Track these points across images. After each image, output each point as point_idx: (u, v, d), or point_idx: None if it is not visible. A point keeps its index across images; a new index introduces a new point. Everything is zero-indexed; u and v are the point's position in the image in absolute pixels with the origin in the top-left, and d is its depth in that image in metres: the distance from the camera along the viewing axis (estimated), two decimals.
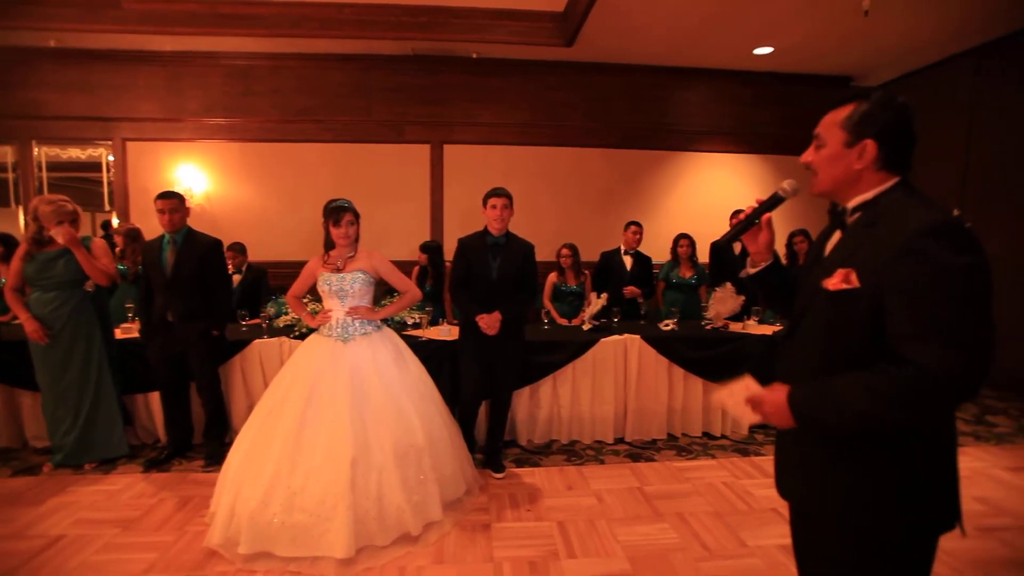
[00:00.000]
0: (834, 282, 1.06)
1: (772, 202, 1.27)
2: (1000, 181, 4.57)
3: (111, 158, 5.32)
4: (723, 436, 3.48)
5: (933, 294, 0.91)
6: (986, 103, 4.68)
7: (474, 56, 5.14)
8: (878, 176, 1.08)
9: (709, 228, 4.79)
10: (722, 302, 3.62)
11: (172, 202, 2.97)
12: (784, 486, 1.26)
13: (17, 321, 3.64)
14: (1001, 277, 4.12)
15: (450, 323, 3.58)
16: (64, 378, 2.92)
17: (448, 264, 4.28)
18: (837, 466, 1.07)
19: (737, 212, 4.30)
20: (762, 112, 5.61)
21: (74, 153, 5.39)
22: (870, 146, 1.05)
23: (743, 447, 3.34)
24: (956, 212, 1.01)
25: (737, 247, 4.33)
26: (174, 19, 4.55)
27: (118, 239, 3.97)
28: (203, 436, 3.19)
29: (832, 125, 1.11)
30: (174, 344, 3.00)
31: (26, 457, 3.17)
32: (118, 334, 3.29)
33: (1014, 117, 4.43)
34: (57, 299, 2.90)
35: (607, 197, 5.55)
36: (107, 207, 5.46)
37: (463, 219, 5.32)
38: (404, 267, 3.12)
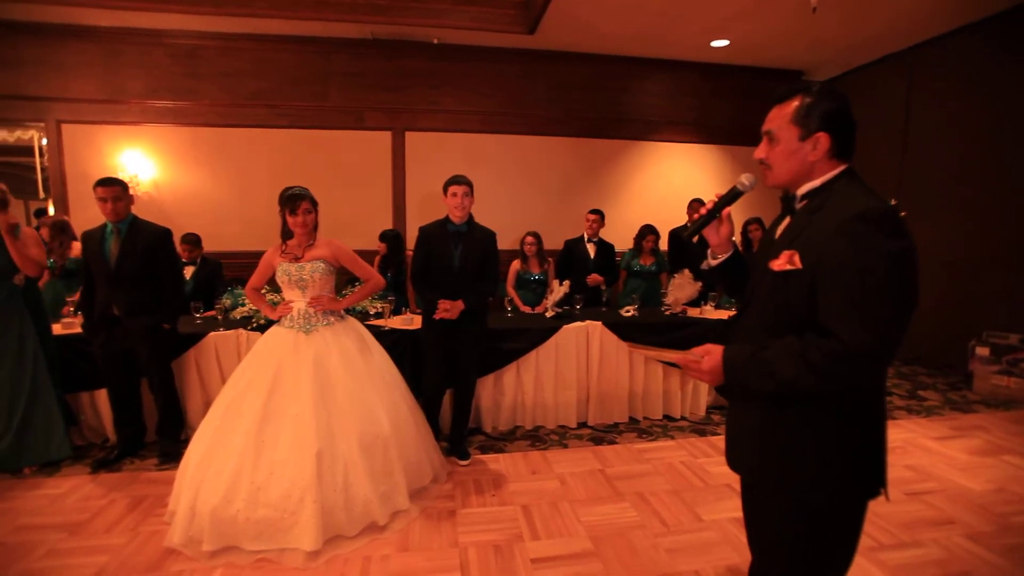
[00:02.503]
0: (779, 263, 1.12)
1: (731, 196, 1.33)
2: (934, 174, 4.88)
3: (44, 141, 4.96)
4: (682, 417, 3.61)
5: (858, 275, 0.98)
6: (922, 99, 4.98)
7: (435, 42, 5.05)
8: (828, 164, 1.14)
9: (668, 216, 4.94)
10: (680, 288, 3.74)
11: (114, 189, 2.80)
12: (733, 458, 1.33)
13: None
14: (932, 263, 4.41)
15: (412, 312, 3.56)
16: (9, 367, 2.74)
17: (409, 253, 4.23)
18: (777, 438, 1.15)
19: (694, 201, 4.45)
20: (719, 103, 5.77)
21: (1, 135, 5.00)
22: (823, 138, 1.11)
23: (700, 427, 3.49)
24: (893, 202, 1.08)
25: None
26: None
27: (44, 231, 3.73)
28: (156, 433, 3.07)
29: (782, 119, 1.16)
30: (120, 339, 2.86)
31: None
32: (58, 329, 3.11)
33: (947, 113, 4.73)
34: None
35: (570, 185, 5.60)
36: (41, 194, 5.11)
37: (425, 207, 5.27)
38: (366, 256, 3.06)
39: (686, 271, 3.77)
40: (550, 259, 4.26)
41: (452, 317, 2.72)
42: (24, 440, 2.80)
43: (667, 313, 3.80)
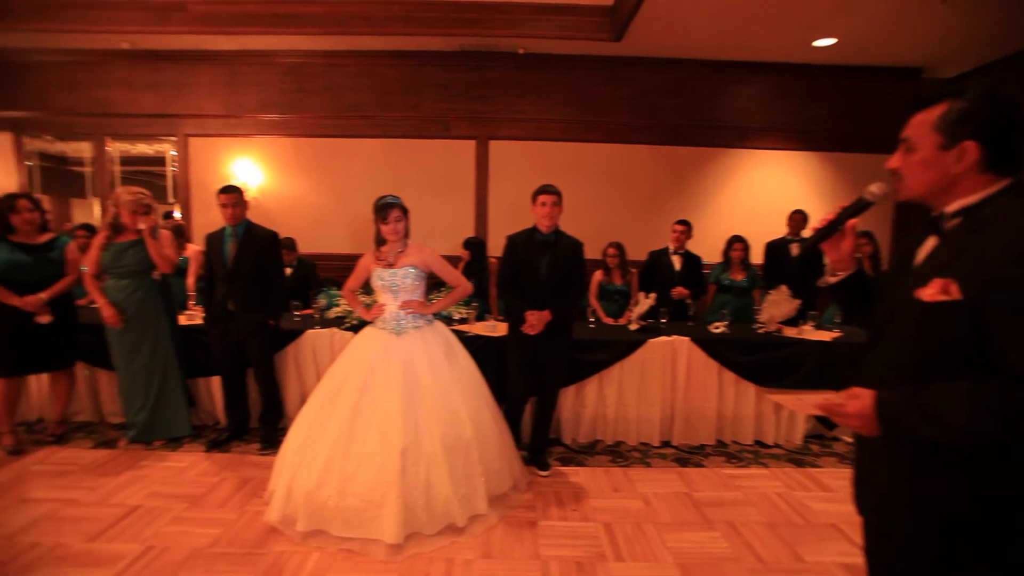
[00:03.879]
0: (930, 292, 0.99)
1: (857, 207, 1.20)
2: None
3: (174, 153, 5.60)
4: (776, 445, 3.35)
5: None
6: None
7: (520, 51, 5.11)
8: (982, 179, 1.00)
9: (762, 227, 4.63)
10: (776, 305, 3.49)
11: (233, 196, 3.10)
12: (863, 501, 1.19)
13: (95, 305, 3.91)
14: None
15: (496, 319, 3.60)
16: (136, 360, 3.11)
17: (492, 260, 4.30)
18: (929, 482, 1.00)
19: (795, 213, 4.14)
20: (822, 107, 5.34)
21: (142, 148, 5.70)
22: (970, 148, 0.97)
23: (797, 457, 3.21)
24: None
25: (794, 249, 4.16)
26: (233, 19, 4.73)
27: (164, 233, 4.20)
28: (259, 421, 3.33)
29: (923, 127, 1.04)
30: (234, 332, 3.14)
31: (104, 431, 3.40)
32: (182, 321, 3.47)
33: None
34: (129, 286, 3.08)
35: (654, 195, 5.43)
36: (170, 199, 5.75)
37: (507, 215, 5.33)
38: (449, 262, 3.13)
39: (783, 287, 3.52)
40: (633, 270, 4.14)
41: (537, 331, 2.71)
42: (156, 417, 3.16)
43: (760, 331, 3.56)
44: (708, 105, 5.38)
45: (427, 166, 5.41)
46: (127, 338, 3.08)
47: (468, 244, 4.29)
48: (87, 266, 3.13)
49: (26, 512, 2.45)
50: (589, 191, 5.35)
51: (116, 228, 3.08)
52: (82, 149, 5.68)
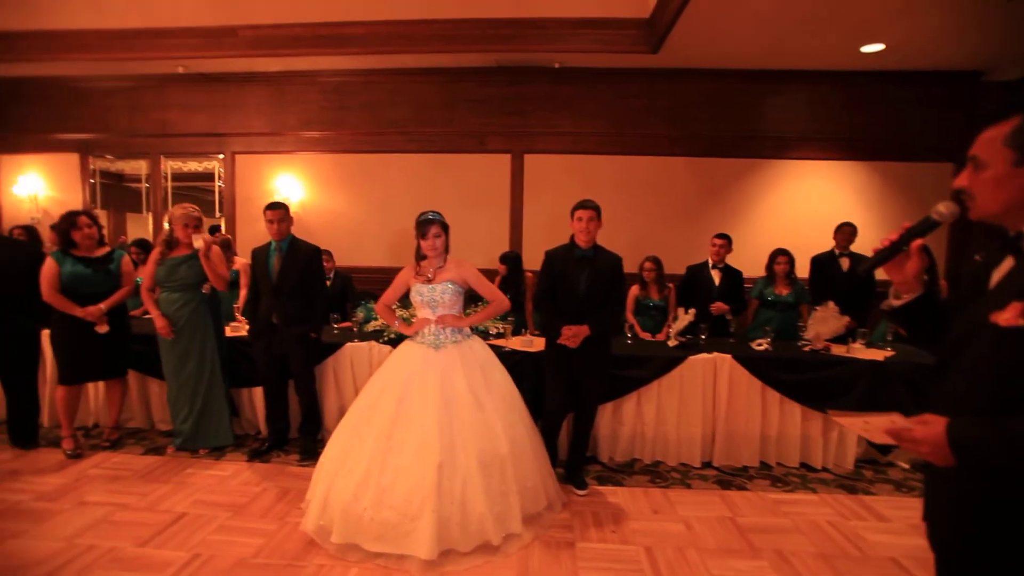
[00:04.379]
0: (1008, 316, 0.93)
1: (924, 227, 1.14)
2: None
3: (221, 170, 5.86)
4: (824, 469, 3.19)
5: None
6: None
7: (556, 66, 5.14)
8: None
9: (804, 240, 4.47)
10: (823, 322, 3.35)
11: (279, 212, 3.20)
12: (936, 535, 1.12)
13: (147, 316, 4.10)
14: None
15: (532, 334, 3.58)
16: (184, 370, 3.23)
17: (528, 275, 4.29)
18: (1006, 518, 0.94)
19: (844, 226, 3.98)
20: (867, 115, 5.14)
21: (193, 166, 5.99)
22: None
23: (849, 483, 3.05)
24: None
25: (845, 263, 3.99)
26: (280, 42, 4.95)
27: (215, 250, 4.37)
28: (298, 432, 3.40)
29: (993, 143, 0.99)
30: (277, 344, 3.22)
31: (153, 437, 3.55)
32: (228, 332, 3.58)
33: None
34: (181, 299, 3.21)
35: (692, 208, 5.32)
36: (217, 214, 6.01)
37: (543, 228, 5.32)
38: (485, 276, 3.14)
39: (830, 303, 3.37)
40: (671, 285, 4.06)
41: (575, 345, 2.68)
42: (200, 425, 3.27)
43: (806, 349, 3.42)
44: (747, 116, 5.26)
45: (463, 180, 5.47)
46: (177, 348, 3.21)
47: (505, 259, 4.30)
48: (143, 279, 3.29)
49: (84, 515, 2.56)
50: (625, 204, 5.29)
51: (170, 244, 3.24)
52: (139, 167, 6.02)
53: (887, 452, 3.14)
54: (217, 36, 4.93)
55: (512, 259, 4.29)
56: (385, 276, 5.07)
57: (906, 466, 3.19)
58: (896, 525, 2.57)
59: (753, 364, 3.19)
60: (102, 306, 3.16)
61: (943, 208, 1.11)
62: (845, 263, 4.05)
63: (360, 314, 3.68)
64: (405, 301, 2.92)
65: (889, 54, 4.61)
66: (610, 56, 4.86)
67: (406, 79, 5.43)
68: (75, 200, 5.95)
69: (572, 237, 2.82)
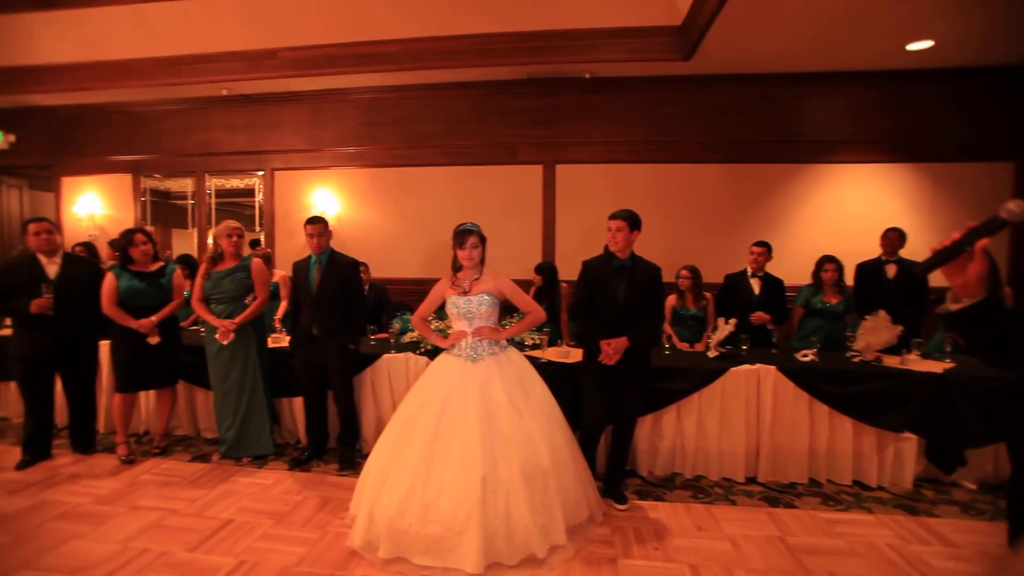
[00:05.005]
0: None
1: (991, 226, 1.07)
2: None
3: (261, 186, 6.08)
4: (880, 487, 3.02)
5: None
6: None
7: (587, 76, 5.14)
8: None
9: (848, 246, 4.30)
10: (874, 332, 3.20)
11: (319, 226, 3.29)
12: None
13: (194, 327, 4.27)
14: None
15: (567, 344, 3.55)
16: (228, 380, 3.33)
17: (563, 285, 4.27)
18: None
19: (890, 231, 3.81)
20: (917, 115, 4.93)
21: (234, 182, 6.23)
22: None
23: (908, 503, 2.87)
24: None
25: (891, 270, 3.82)
26: (317, 62, 5.12)
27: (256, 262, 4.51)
28: (337, 441, 3.45)
29: None
30: (317, 356, 3.29)
31: (199, 445, 3.67)
32: (269, 342, 3.68)
33: None
34: (226, 310, 3.33)
35: (728, 215, 5.21)
36: (257, 228, 6.23)
37: (576, 238, 5.30)
38: (521, 288, 3.14)
39: (881, 312, 3.23)
40: (708, 294, 3.96)
41: (613, 361, 2.65)
42: (243, 434, 3.36)
43: (855, 360, 3.27)
44: (785, 119, 5.13)
45: (495, 191, 5.51)
46: (221, 358, 3.32)
47: (540, 269, 4.29)
48: (192, 292, 3.43)
49: (137, 519, 2.65)
50: (659, 212, 5.21)
51: (215, 259, 3.37)
52: (185, 185, 6.30)
53: (951, 471, 2.96)
54: (258, 59, 5.15)
55: (547, 270, 4.27)
56: (419, 288, 5.18)
57: (972, 487, 2.99)
58: (964, 551, 2.40)
59: (799, 376, 3.07)
60: (153, 318, 3.30)
61: (1014, 206, 1.05)
62: (892, 270, 3.87)
63: (396, 325, 3.73)
64: (440, 313, 2.94)
65: (937, 51, 4.43)
66: (642, 64, 4.83)
67: (438, 93, 5.53)
68: (128, 218, 6.28)
69: (606, 247, 2.79)
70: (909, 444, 2.98)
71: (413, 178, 5.67)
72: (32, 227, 3.26)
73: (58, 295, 3.22)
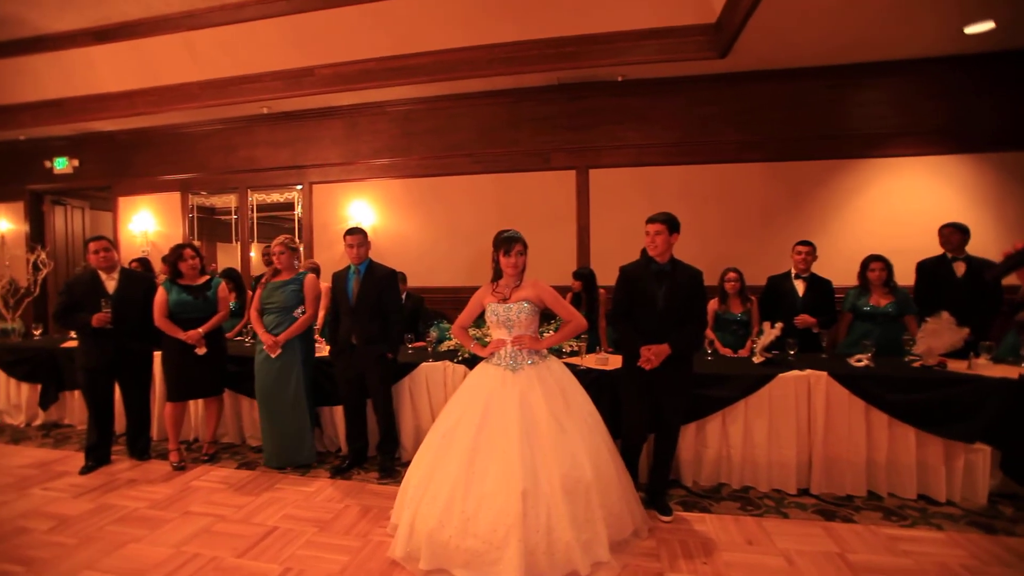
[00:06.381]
0: None
1: None
2: None
3: (300, 199, 6.27)
4: (949, 502, 2.82)
5: None
6: None
7: (620, 79, 5.08)
8: None
9: (900, 244, 4.09)
10: (937, 335, 3.00)
11: (358, 236, 3.35)
12: None
13: (239, 338, 4.42)
14: None
15: (606, 351, 3.48)
16: (272, 390, 3.40)
17: (601, 291, 4.21)
18: None
19: (946, 228, 3.57)
20: (977, 103, 4.62)
21: (275, 197, 6.46)
22: None
23: (983, 520, 2.65)
24: None
25: (960, 268, 3.58)
26: (353, 77, 5.27)
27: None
28: (376, 450, 3.47)
29: None
30: (356, 365, 3.33)
31: (245, 452, 3.77)
32: None
33: None
34: (274, 321, 3.42)
35: (768, 216, 5.02)
36: (296, 240, 6.42)
37: (610, 243, 5.22)
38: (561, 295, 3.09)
39: (944, 314, 3.02)
40: (753, 298, 3.82)
41: (652, 367, 2.57)
42: (285, 444, 3.42)
43: (916, 365, 3.08)
44: (827, 114, 4.92)
45: (528, 198, 5.49)
46: (269, 368, 3.39)
47: (579, 275, 4.24)
48: (252, 302, 3.55)
49: (189, 524, 2.74)
50: (695, 214, 5.08)
51: (274, 271, 3.51)
52: (228, 200, 6.57)
53: None
54: (297, 76, 5.34)
55: (586, 275, 4.21)
56: (454, 296, 5.21)
57: None
58: None
59: (853, 382, 2.91)
60: (200, 330, 3.43)
61: None
62: (960, 268, 3.62)
63: (434, 334, 3.74)
64: (478, 321, 2.93)
65: (999, 33, 4.15)
66: (675, 65, 4.75)
67: (470, 103, 5.58)
68: (177, 233, 6.59)
69: (644, 251, 2.72)
70: (982, 456, 2.76)
71: (447, 187, 5.73)
72: (92, 245, 3.46)
73: (116, 309, 3.40)
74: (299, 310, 3.45)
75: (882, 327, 3.50)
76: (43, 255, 5.94)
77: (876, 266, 3.54)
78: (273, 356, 3.35)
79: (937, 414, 2.79)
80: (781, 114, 4.98)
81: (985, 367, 2.95)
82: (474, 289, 2.74)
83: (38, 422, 4.44)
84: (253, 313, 3.51)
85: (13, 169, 7.18)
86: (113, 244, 3.58)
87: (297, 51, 5.17)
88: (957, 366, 3.01)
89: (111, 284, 3.49)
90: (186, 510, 2.90)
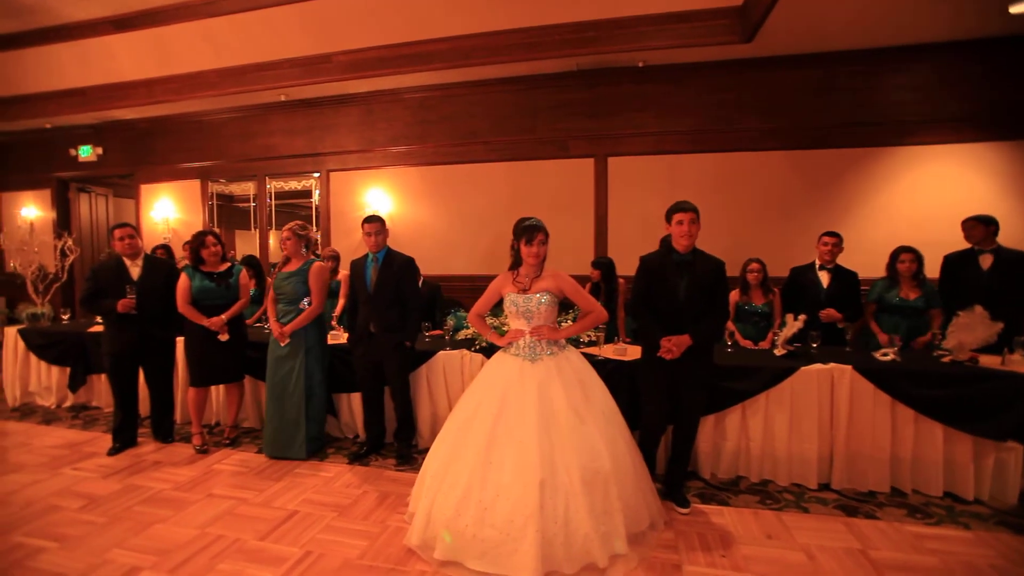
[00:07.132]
0: None
1: None
2: None
3: (317, 187, 6.30)
4: (977, 500, 2.75)
5: None
6: None
7: (640, 64, 4.97)
8: None
9: (936, 237, 3.95)
10: (968, 329, 2.92)
11: (376, 224, 3.34)
12: None
13: (258, 324, 4.47)
14: None
15: (624, 341, 3.45)
16: (276, 380, 3.40)
17: (620, 281, 4.16)
18: None
19: (970, 220, 3.45)
20: (1012, 87, 4.44)
21: (292, 184, 6.50)
22: None
23: (1013, 520, 2.59)
24: None
25: (987, 261, 3.47)
26: (369, 64, 5.24)
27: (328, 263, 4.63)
28: (393, 437, 3.50)
29: None
30: (374, 352, 3.35)
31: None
32: (327, 340, 3.78)
33: None
34: (282, 310, 3.46)
35: (792, 205, 4.90)
36: (314, 227, 6.46)
37: (628, 232, 5.16)
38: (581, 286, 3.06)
39: (978, 308, 2.93)
40: (775, 289, 3.74)
41: (673, 357, 2.53)
42: (280, 435, 3.40)
43: (945, 360, 2.99)
44: (855, 101, 4.76)
45: (546, 186, 5.44)
46: (277, 356, 3.42)
47: (598, 264, 4.20)
48: (269, 290, 3.59)
49: (212, 506, 2.81)
50: (716, 203, 4.96)
51: (285, 260, 3.53)
52: (247, 188, 6.63)
53: None
54: (314, 63, 5.33)
55: (606, 265, 4.16)
56: (471, 284, 5.20)
57: None
58: None
59: (879, 376, 2.84)
60: (223, 317, 3.48)
61: None
62: (987, 261, 3.50)
63: (451, 322, 3.74)
64: (495, 310, 2.91)
65: None
66: (698, 50, 4.63)
67: (486, 90, 5.52)
68: (197, 221, 6.68)
69: (663, 241, 2.67)
70: (1013, 454, 2.69)
71: (463, 175, 5.70)
72: (117, 232, 3.52)
73: (140, 295, 3.46)
74: (305, 301, 3.44)
75: (908, 321, 3.42)
76: (70, 241, 6.06)
77: (906, 257, 3.44)
78: (283, 344, 3.37)
79: (968, 411, 2.71)
80: (806, 101, 4.83)
81: (1019, 363, 2.86)
82: (491, 278, 2.71)
83: (68, 404, 4.57)
84: (269, 302, 3.55)
85: (40, 157, 7.34)
86: (137, 231, 3.63)
87: (314, 38, 5.15)
88: (990, 361, 2.92)
89: (135, 270, 3.55)
90: (209, 492, 2.97)
